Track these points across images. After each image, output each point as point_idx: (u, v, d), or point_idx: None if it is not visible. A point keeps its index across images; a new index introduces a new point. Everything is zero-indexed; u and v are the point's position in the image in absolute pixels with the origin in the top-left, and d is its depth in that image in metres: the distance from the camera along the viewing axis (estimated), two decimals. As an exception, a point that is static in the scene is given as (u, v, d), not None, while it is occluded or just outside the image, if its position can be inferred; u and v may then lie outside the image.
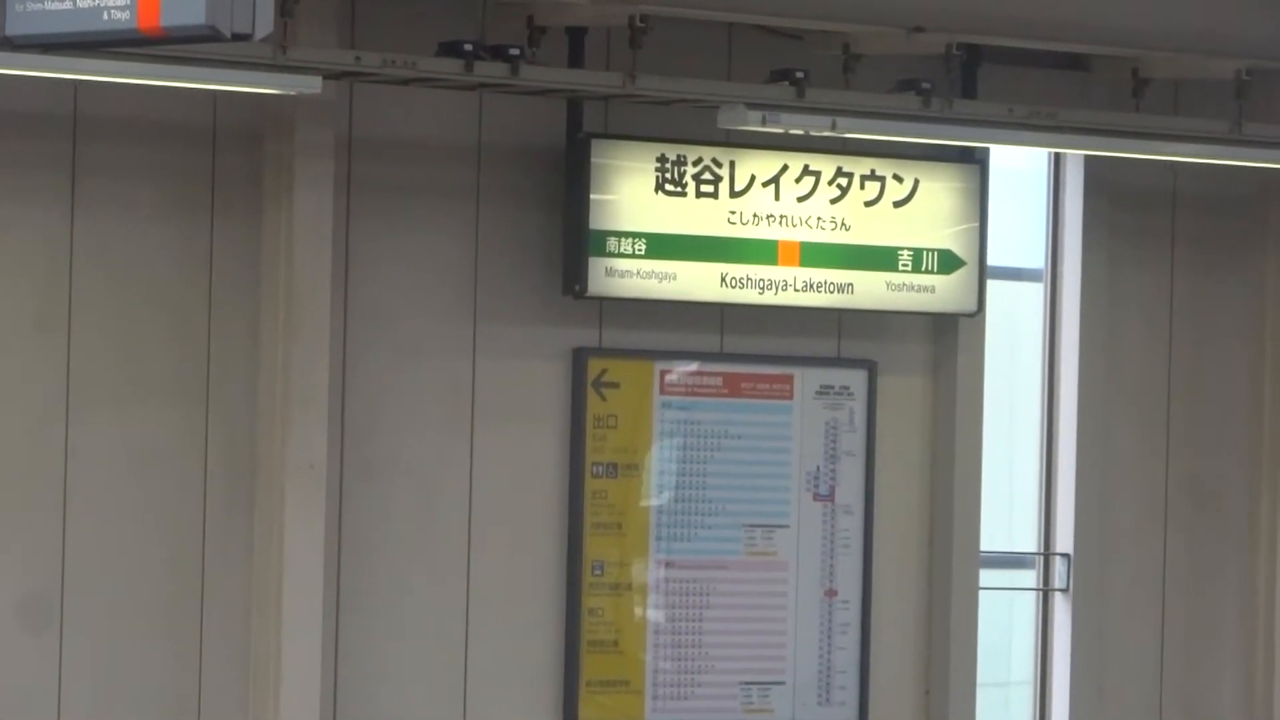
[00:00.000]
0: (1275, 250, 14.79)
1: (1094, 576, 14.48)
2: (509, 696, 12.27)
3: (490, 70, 11.20)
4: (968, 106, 12.58)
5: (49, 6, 6.82)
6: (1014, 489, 14.70)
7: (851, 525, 13.17)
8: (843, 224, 12.90)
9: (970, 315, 13.31)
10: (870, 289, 13.13)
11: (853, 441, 13.23)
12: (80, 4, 6.79)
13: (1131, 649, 14.46)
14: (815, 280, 12.97)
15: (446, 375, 12.30)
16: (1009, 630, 14.83)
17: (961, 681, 13.64)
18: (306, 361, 11.86)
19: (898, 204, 12.96)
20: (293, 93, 11.11)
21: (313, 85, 10.89)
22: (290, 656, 11.78)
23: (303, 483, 11.72)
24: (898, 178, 12.95)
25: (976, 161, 13.27)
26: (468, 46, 11.02)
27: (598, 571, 12.43)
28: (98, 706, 11.52)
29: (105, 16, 6.65)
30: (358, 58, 11.04)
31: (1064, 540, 14.36)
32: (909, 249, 13.10)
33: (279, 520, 11.71)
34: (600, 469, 12.50)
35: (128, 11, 6.56)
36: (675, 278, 12.44)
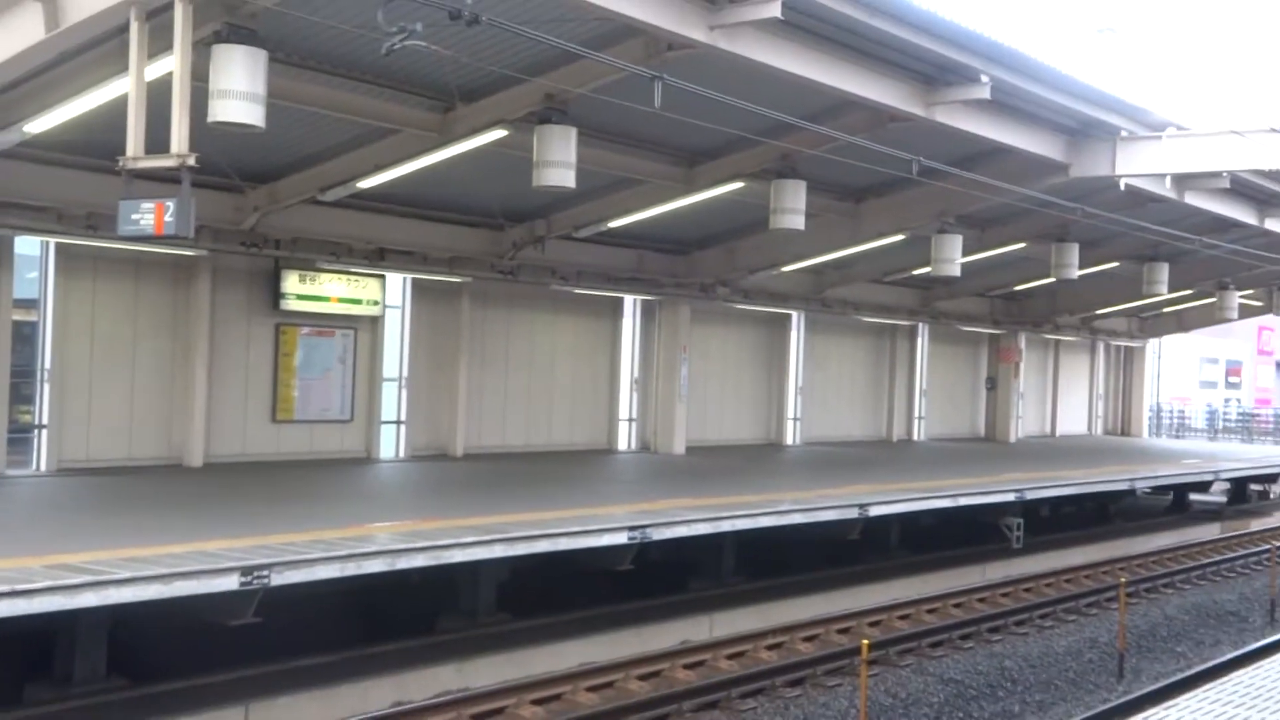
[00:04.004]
0: (458, 298, 17.87)
1: (417, 392, 17.70)
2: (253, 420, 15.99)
3: (257, 250, 15.12)
4: (380, 266, 16.51)
5: (127, 227, 8.57)
6: (389, 364, 17.52)
7: (355, 361, 16.85)
8: (345, 290, 16.67)
9: (378, 317, 17.13)
10: (357, 309, 16.91)
11: (347, 349, 16.82)
12: (139, 224, 8.47)
13: (429, 405, 17.93)
14: (348, 307, 16.70)
15: (243, 333, 15.97)
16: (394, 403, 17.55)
17: (374, 414, 17.34)
18: (200, 331, 15.29)
19: (364, 288, 16.83)
20: (201, 253, 14.92)
21: (203, 252, 14.86)
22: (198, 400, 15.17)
23: (200, 358, 15.25)
24: (365, 279, 16.68)
25: (382, 276, 16.88)
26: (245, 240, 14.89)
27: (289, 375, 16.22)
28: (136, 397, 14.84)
29: (143, 229, 8.51)
30: (215, 246, 14.74)
31: (404, 372, 17.75)
32: (364, 300, 16.94)
33: (195, 366, 15.22)
34: (284, 356, 16.35)
35: (151, 226, 8.44)
36: (305, 306, 16.23)
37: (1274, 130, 13.90)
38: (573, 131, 12.12)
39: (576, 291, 19.60)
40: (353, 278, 16.91)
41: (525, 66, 11.67)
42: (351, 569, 8.67)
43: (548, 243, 17.79)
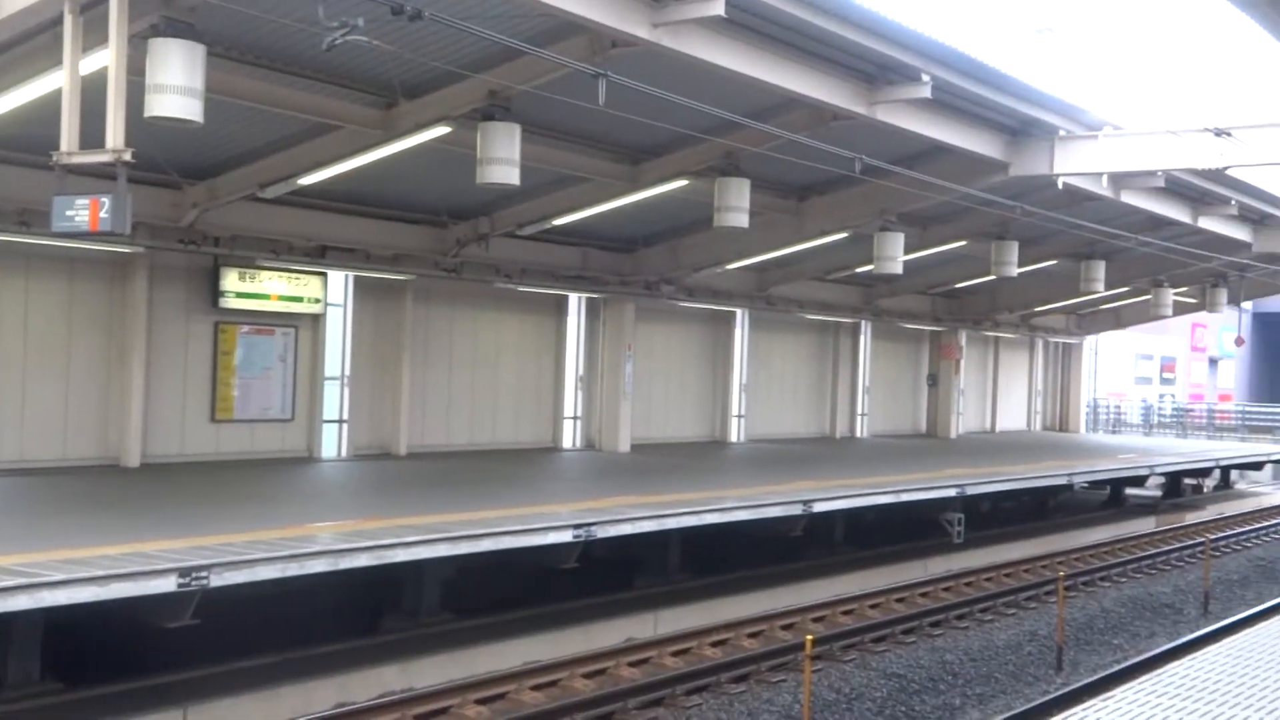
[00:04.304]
0: (402, 296, 17.63)
1: (359, 391, 17.69)
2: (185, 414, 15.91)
3: (195, 247, 14.84)
4: (321, 263, 16.20)
5: (62, 223, 8.45)
6: (331, 362, 17.14)
7: (296, 359, 16.63)
8: (286, 288, 16.33)
9: (320, 315, 16.87)
10: (298, 307, 16.56)
11: (288, 348, 16.68)
12: (74, 220, 8.37)
13: (372, 404, 17.72)
14: (289, 305, 16.44)
15: (181, 332, 15.67)
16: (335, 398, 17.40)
17: (316, 412, 17.13)
18: (136, 330, 14.99)
19: (305, 286, 16.52)
20: (137, 250, 14.51)
21: (139, 249, 14.45)
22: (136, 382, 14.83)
23: (138, 357, 14.86)
24: (306, 277, 16.35)
25: (323, 273, 16.52)
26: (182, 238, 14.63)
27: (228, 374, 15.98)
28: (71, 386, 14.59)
29: (78, 225, 8.38)
30: (152, 243, 14.44)
31: (346, 371, 17.39)
32: (306, 298, 16.60)
33: (132, 365, 14.87)
34: (224, 354, 15.98)
35: (86, 223, 8.33)
36: (245, 304, 15.93)
37: (1207, 130, 14.06)
38: (516, 128, 12.07)
39: (520, 289, 19.43)
40: (294, 275, 16.64)
41: (468, 63, 11.56)
42: (293, 569, 8.55)
43: (491, 240, 17.63)
